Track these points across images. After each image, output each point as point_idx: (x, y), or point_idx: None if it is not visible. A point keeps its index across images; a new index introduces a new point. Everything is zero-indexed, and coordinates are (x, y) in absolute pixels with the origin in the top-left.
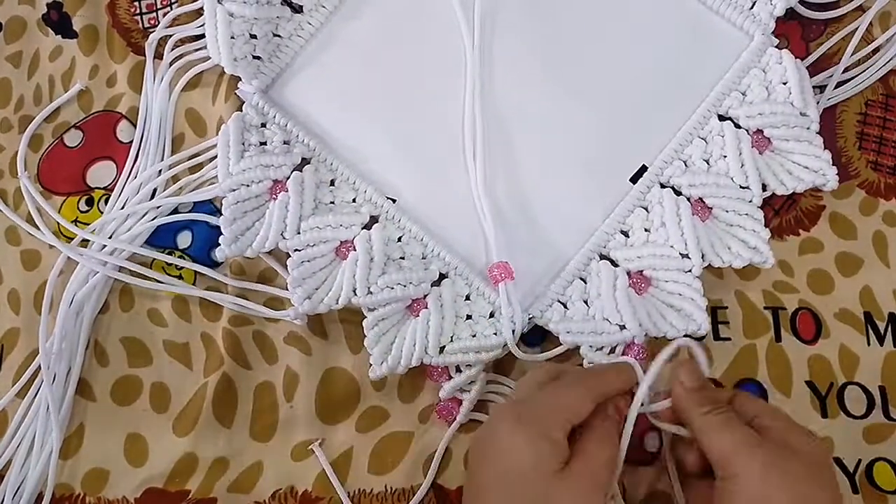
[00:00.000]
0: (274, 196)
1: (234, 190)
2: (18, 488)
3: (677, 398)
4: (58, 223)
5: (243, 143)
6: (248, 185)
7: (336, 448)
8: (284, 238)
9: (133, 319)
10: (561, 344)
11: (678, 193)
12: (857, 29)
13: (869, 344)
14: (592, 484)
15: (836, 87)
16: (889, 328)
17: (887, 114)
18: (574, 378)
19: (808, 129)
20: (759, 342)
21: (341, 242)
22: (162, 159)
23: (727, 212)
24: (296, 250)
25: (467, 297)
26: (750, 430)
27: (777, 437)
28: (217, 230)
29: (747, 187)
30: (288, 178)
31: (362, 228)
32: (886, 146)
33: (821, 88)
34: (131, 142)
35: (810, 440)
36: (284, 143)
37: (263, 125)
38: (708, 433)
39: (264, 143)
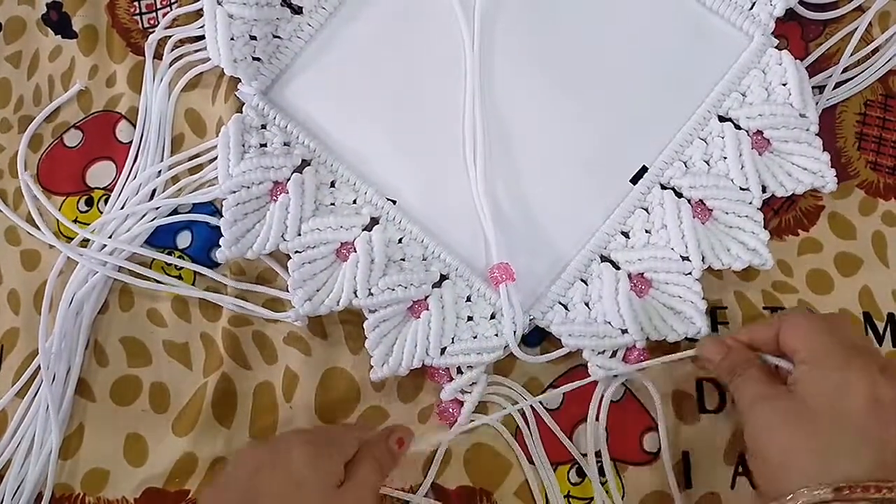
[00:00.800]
0: (274, 198)
1: (234, 192)
2: (18, 488)
3: (716, 372)
4: (58, 223)
5: (243, 145)
6: (248, 187)
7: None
8: (285, 240)
9: (133, 319)
10: (561, 344)
11: (679, 195)
12: (856, 29)
13: None
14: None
15: (836, 87)
16: (888, 328)
17: (886, 114)
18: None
19: (807, 130)
20: None
21: (342, 244)
22: (161, 159)
23: (727, 213)
24: (296, 252)
25: (468, 299)
26: (769, 384)
27: (804, 377)
28: (217, 230)
29: (747, 189)
30: (288, 179)
31: (363, 230)
32: (885, 146)
33: (820, 89)
34: (131, 142)
35: (853, 360)
36: (285, 144)
37: (263, 127)
38: (736, 396)
39: (264, 145)
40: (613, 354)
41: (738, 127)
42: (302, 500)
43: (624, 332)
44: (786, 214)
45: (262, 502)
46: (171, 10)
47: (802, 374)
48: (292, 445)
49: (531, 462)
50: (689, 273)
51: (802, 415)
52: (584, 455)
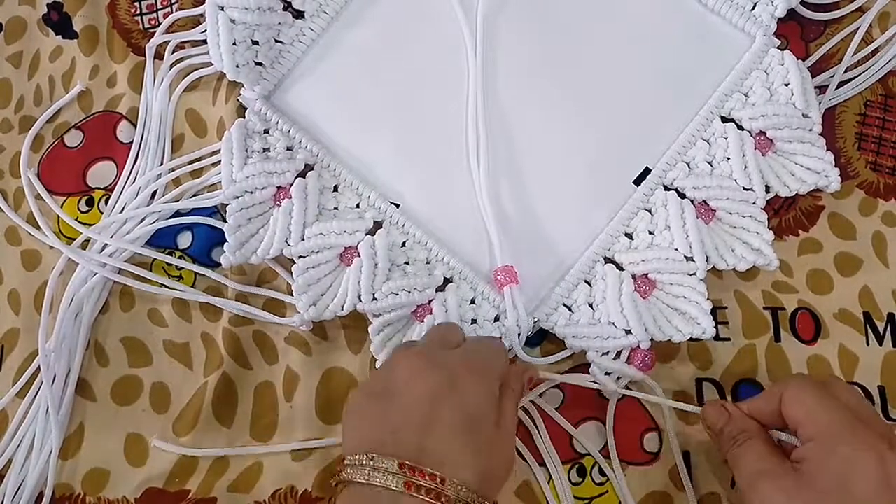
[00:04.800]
0: (278, 203)
1: (237, 197)
2: (18, 488)
3: (715, 439)
4: (59, 223)
5: (246, 150)
6: (251, 192)
7: (336, 448)
8: (289, 245)
9: (133, 319)
10: (564, 345)
11: (682, 196)
12: (857, 29)
13: (868, 344)
14: (512, 443)
15: (837, 87)
16: (888, 328)
17: (886, 114)
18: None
19: (810, 130)
20: (759, 342)
21: (346, 248)
22: (162, 160)
23: (731, 214)
24: (300, 257)
25: (472, 302)
26: (772, 459)
27: (810, 455)
28: (217, 230)
29: (751, 189)
30: (291, 184)
31: (366, 234)
32: (885, 146)
33: (821, 89)
34: (132, 142)
35: (861, 435)
36: (288, 149)
37: (266, 131)
38: (734, 467)
39: (267, 150)
40: (617, 356)
41: (740, 127)
42: (474, 437)
43: (628, 332)
44: (786, 214)
45: (438, 429)
46: (172, 10)
47: (809, 451)
48: (464, 380)
49: (541, 464)
50: (694, 274)
51: (809, 497)
52: (583, 455)
